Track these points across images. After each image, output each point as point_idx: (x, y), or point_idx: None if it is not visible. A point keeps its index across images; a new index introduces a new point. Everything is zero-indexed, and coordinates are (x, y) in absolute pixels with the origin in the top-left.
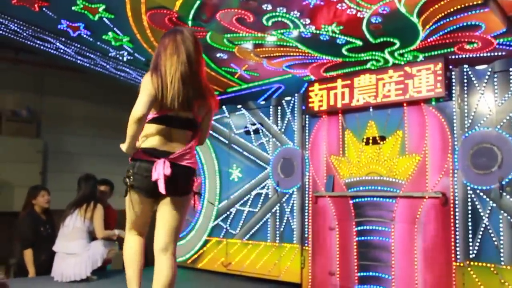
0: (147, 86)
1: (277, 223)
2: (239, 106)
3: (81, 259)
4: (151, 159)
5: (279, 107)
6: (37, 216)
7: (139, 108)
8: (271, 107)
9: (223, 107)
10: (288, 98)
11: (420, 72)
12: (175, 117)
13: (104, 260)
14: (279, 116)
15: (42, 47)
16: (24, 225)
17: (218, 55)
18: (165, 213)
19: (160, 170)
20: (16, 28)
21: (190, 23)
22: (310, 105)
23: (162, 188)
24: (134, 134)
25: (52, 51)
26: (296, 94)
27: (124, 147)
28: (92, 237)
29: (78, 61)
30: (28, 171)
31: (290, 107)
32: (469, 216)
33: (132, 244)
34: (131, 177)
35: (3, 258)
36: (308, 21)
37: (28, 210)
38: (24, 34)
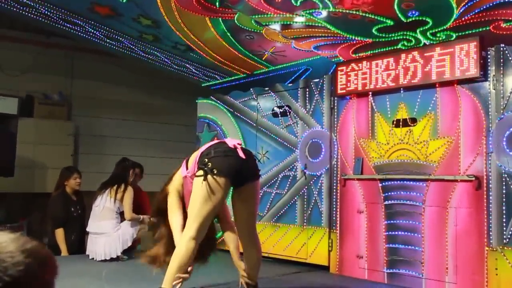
0: None
1: (305, 206)
2: (266, 89)
3: (111, 238)
4: (219, 140)
5: (307, 89)
6: (68, 197)
7: None
8: (299, 89)
9: (251, 89)
10: (316, 80)
11: (453, 52)
12: None
13: (134, 239)
14: (307, 98)
15: (72, 31)
16: (56, 205)
17: (245, 36)
18: (248, 200)
19: (232, 144)
20: (46, 12)
21: (217, 4)
22: (339, 86)
23: (242, 154)
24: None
25: (82, 34)
26: (324, 76)
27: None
28: (122, 217)
29: (107, 44)
30: (60, 153)
31: (318, 89)
32: (504, 200)
33: (192, 251)
34: (209, 163)
35: (37, 238)
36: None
37: (60, 191)
38: (55, 17)
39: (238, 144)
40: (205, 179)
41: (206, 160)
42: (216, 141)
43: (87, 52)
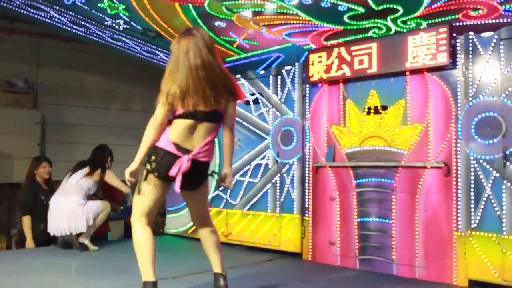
0: (164, 94)
1: (277, 194)
2: (238, 76)
3: (75, 213)
4: (175, 153)
5: (279, 77)
6: (38, 185)
7: (158, 118)
8: (270, 76)
9: None
10: (288, 68)
11: (423, 40)
12: (200, 112)
13: (95, 218)
14: (279, 85)
15: (36, 16)
16: (24, 193)
17: (216, 23)
18: (194, 199)
19: (177, 168)
20: None
21: None
22: (311, 74)
23: (177, 187)
24: (150, 140)
25: (46, 20)
26: (296, 63)
27: (136, 158)
28: (88, 197)
29: (73, 30)
30: (26, 142)
31: (290, 77)
32: (472, 186)
33: (147, 233)
34: (153, 163)
35: (4, 229)
36: None
37: (29, 180)
38: (17, 2)
39: (183, 172)
40: (146, 178)
41: (153, 159)
42: (171, 142)
43: (53, 38)
